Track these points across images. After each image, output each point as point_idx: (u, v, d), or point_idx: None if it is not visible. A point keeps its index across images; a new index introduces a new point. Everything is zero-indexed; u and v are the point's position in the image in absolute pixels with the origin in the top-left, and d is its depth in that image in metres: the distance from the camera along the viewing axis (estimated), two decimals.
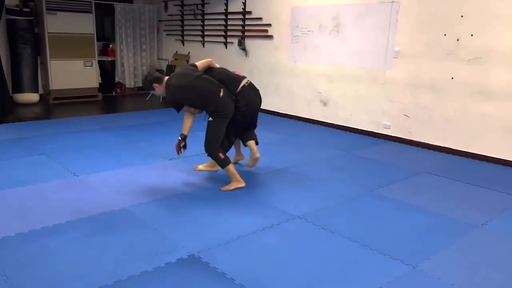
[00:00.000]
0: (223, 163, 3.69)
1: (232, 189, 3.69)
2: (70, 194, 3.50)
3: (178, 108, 3.72)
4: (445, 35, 4.91)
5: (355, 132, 6.01)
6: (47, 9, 7.52)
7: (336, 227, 3.06)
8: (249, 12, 7.32)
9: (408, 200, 3.62)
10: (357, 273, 2.49)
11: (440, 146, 5.17)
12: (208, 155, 3.77)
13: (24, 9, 7.43)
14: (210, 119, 3.66)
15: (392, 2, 5.32)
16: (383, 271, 2.51)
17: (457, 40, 4.82)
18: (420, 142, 5.35)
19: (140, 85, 9.48)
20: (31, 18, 7.55)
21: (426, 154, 5.06)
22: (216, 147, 3.66)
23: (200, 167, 4.20)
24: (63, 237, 2.78)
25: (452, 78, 4.92)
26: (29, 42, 7.52)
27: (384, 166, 4.57)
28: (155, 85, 3.73)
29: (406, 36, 5.29)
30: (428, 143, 5.27)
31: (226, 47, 7.93)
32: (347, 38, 5.93)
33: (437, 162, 4.77)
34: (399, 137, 5.55)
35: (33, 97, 7.72)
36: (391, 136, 5.64)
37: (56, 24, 7.65)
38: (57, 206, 3.24)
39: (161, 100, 8.38)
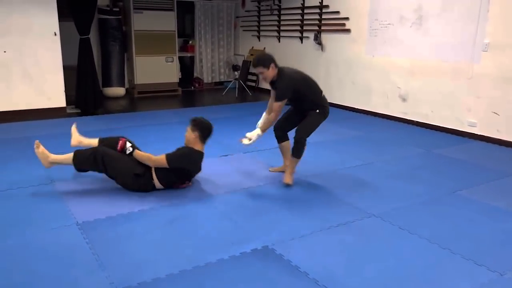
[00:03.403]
0: (302, 155, 3.70)
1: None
2: None
3: (286, 97, 3.58)
4: None
5: (437, 130, 5.71)
6: (134, 8, 8.02)
7: (414, 227, 2.94)
8: (326, 6, 7.22)
9: (496, 203, 3.37)
10: (437, 276, 2.38)
11: None
12: (297, 141, 3.65)
13: (114, 9, 7.98)
14: (318, 111, 3.68)
15: None
16: (466, 277, 2.38)
17: None
18: (510, 141, 4.94)
19: (217, 80, 9.78)
20: (120, 17, 8.09)
21: None
22: (307, 138, 3.68)
23: (276, 168, 4.06)
24: (147, 222, 2.96)
25: None
26: (118, 40, 8.07)
27: (468, 166, 4.30)
28: (272, 65, 3.53)
29: (498, 27, 4.90)
30: None
31: (302, 42, 7.90)
32: (430, 30, 5.64)
33: None
34: (486, 136, 5.18)
35: (120, 91, 8.28)
36: (477, 134, 5.28)
37: (142, 22, 8.13)
38: (142, 193, 3.45)
39: (236, 95, 8.57)
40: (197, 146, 3.51)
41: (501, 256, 2.60)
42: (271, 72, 3.57)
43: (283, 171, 3.90)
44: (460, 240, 2.79)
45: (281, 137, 3.89)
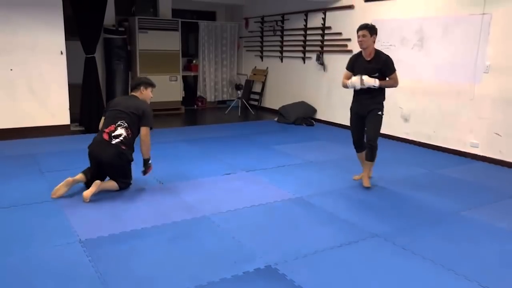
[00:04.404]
0: (376, 157, 4.11)
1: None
2: (155, 200, 3.73)
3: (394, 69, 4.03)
4: None
5: (439, 150, 5.72)
6: (139, 28, 8.14)
7: (418, 248, 2.92)
8: (329, 27, 7.33)
9: (500, 224, 3.36)
10: None
11: None
12: (371, 147, 4.07)
13: (119, 29, 8.10)
14: (379, 113, 4.06)
15: (483, 14, 5.04)
16: None
17: None
18: None
19: (220, 99, 9.85)
20: (125, 36, 8.20)
21: None
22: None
23: (358, 176, 4.36)
24: (149, 239, 2.96)
25: None
26: (123, 59, 8.15)
27: (471, 186, 4.29)
28: (375, 37, 3.91)
29: (499, 49, 4.96)
30: None
31: (304, 62, 7.98)
32: (431, 51, 5.71)
33: None
34: (489, 157, 5.18)
35: None
36: (479, 155, 5.28)
37: (146, 41, 8.24)
38: (144, 211, 3.46)
39: (239, 114, 8.62)
40: None
41: (505, 277, 2.58)
42: (370, 41, 3.86)
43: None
44: (464, 261, 2.77)
45: (359, 147, 4.33)
